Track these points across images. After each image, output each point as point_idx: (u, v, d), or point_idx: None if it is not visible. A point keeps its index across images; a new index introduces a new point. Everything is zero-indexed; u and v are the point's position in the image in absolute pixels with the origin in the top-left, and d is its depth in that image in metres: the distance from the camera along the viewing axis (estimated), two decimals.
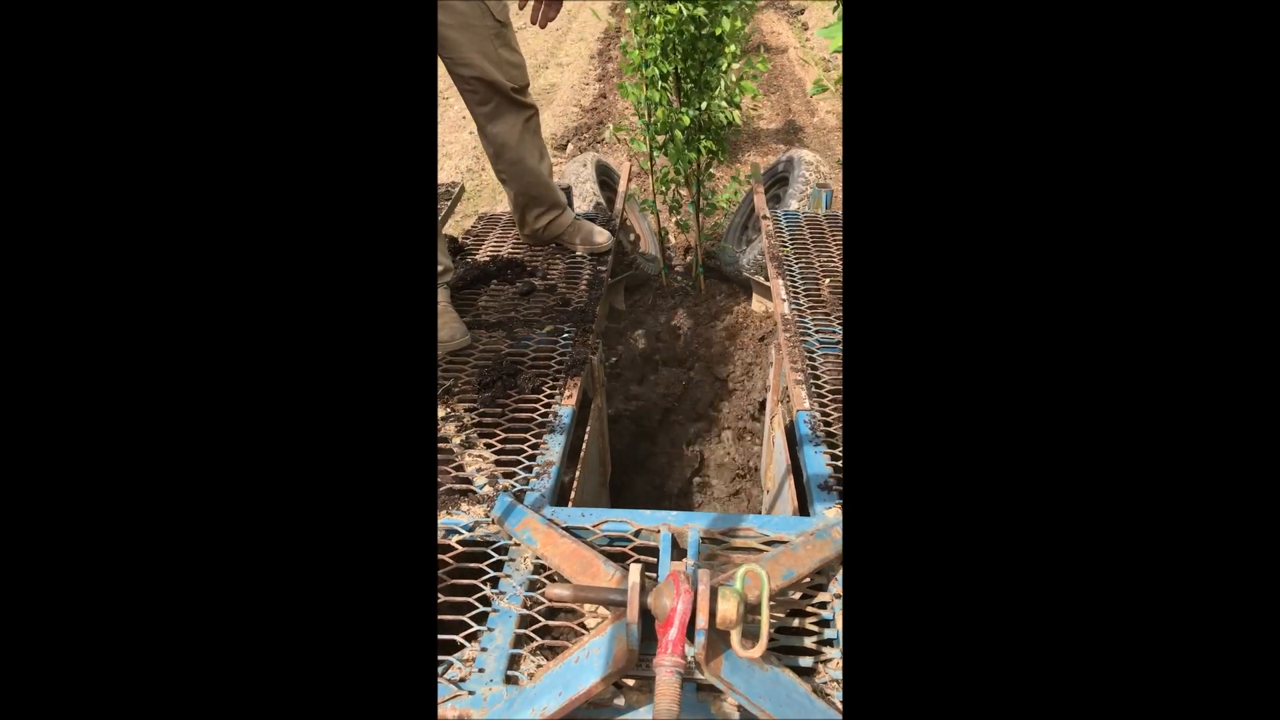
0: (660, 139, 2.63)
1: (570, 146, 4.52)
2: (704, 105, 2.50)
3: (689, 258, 3.18)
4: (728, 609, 0.90)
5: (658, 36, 2.39)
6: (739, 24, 2.43)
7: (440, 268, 1.82)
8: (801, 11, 7.13)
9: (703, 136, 2.57)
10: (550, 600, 1.01)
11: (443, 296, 1.82)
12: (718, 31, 2.39)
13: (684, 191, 2.79)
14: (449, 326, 1.78)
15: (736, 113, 2.58)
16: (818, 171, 2.73)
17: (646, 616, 0.95)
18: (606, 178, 3.00)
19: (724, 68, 2.46)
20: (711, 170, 2.74)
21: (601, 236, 2.25)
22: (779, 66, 5.67)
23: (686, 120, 2.51)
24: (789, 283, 2.02)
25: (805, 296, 1.96)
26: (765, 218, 2.40)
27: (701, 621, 0.90)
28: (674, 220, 2.94)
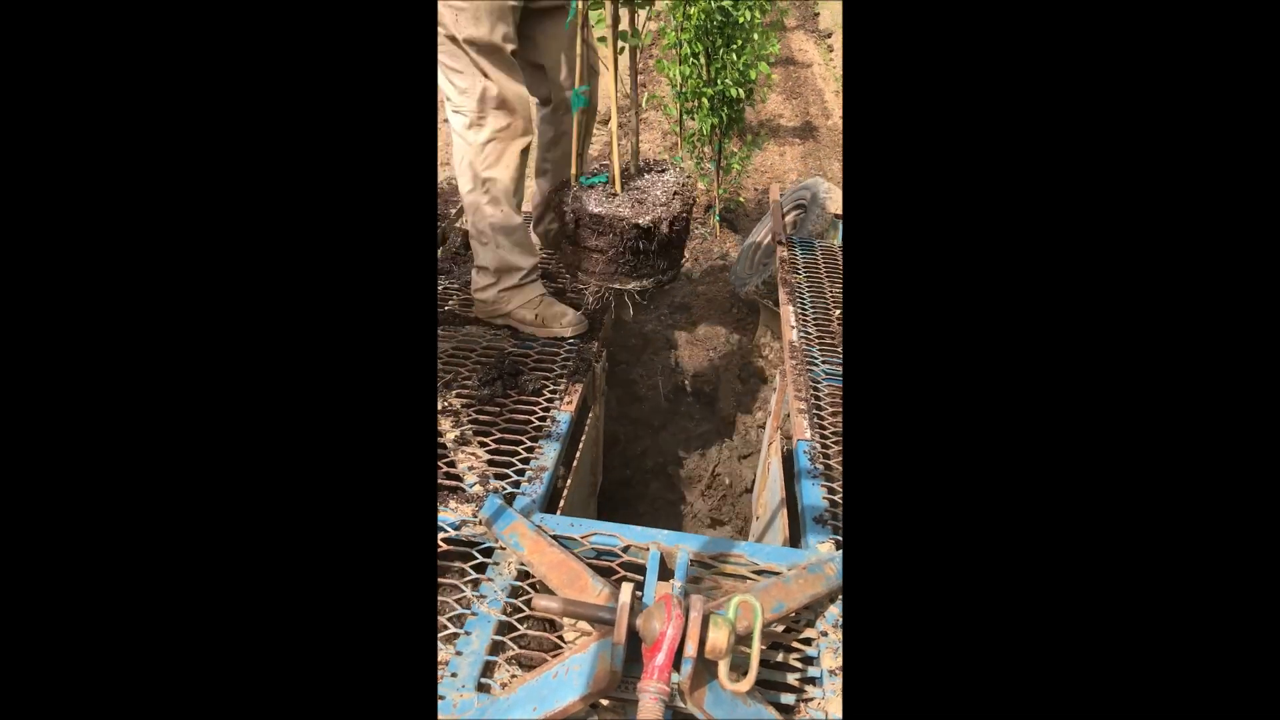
0: (689, 105, 3.39)
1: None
2: (718, 84, 3.20)
3: (708, 211, 3.74)
4: (719, 638, 0.87)
5: (693, 21, 3.11)
6: (757, 16, 3.13)
7: (528, 264, 1.81)
8: (829, 35, 7.26)
9: (723, 106, 3.30)
10: (537, 611, 0.99)
11: (539, 289, 1.84)
12: (741, 20, 3.08)
13: (706, 149, 3.53)
14: (567, 312, 1.80)
15: (743, 91, 3.27)
16: (837, 202, 2.71)
17: (633, 638, 0.92)
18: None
19: (737, 56, 3.14)
20: (730, 135, 3.45)
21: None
22: (803, 78, 6.07)
23: (710, 92, 3.24)
24: (799, 310, 2.00)
25: (814, 325, 1.94)
26: (780, 243, 2.38)
27: (690, 649, 0.87)
28: (698, 178, 3.54)
